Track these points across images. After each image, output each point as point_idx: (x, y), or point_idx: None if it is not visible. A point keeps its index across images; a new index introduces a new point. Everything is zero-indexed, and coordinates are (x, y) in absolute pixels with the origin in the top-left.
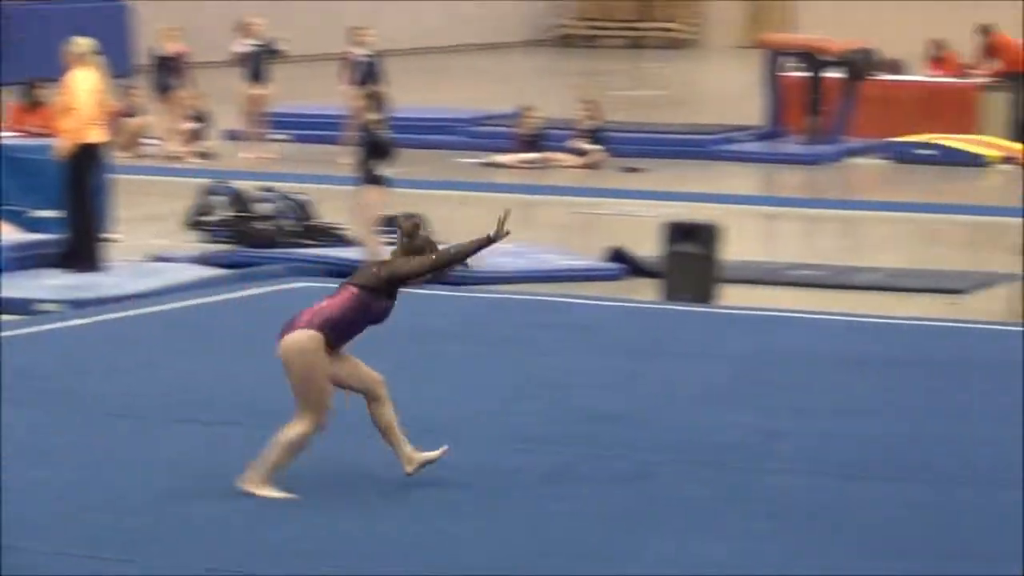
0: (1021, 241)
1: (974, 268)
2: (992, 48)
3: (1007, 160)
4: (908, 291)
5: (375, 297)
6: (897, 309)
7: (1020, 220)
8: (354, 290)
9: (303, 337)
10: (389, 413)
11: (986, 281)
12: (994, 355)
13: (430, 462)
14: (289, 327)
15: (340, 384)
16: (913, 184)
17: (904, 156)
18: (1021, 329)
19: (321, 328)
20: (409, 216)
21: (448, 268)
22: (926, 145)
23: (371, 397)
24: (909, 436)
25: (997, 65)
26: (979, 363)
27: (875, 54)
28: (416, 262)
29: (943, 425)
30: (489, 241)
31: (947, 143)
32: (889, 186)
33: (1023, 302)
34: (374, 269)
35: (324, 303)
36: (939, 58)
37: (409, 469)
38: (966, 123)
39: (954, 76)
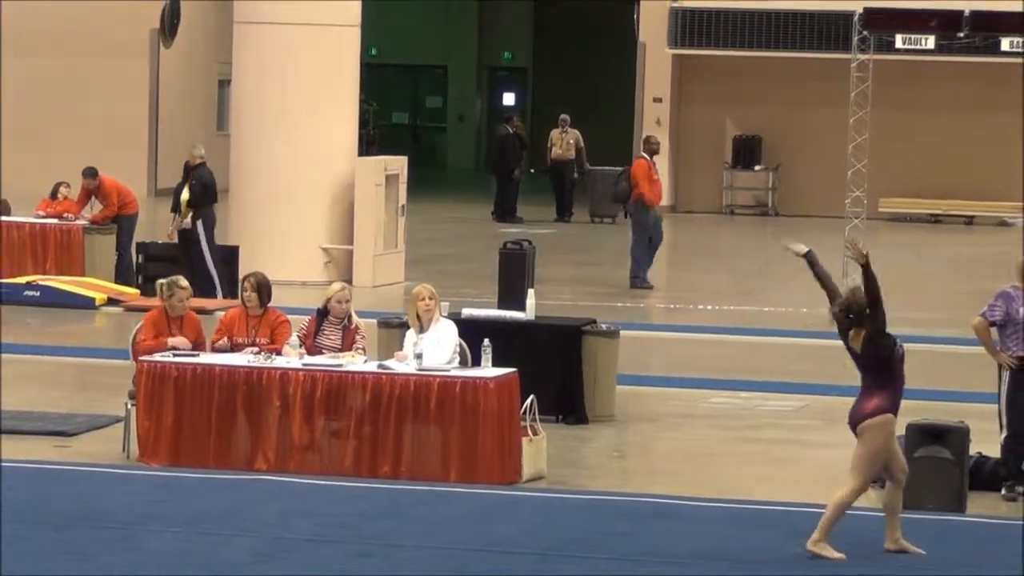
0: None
1: (86, 410)
2: (97, 191)
3: (113, 302)
4: (19, 433)
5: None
6: (11, 452)
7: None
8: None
9: (885, 419)
10: (899, 498)
11: (93, 423)
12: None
13: (905, 551)
14: (860, 411)
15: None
16: (20, 324)
17: (11, 298)
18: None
19: (891, 409)
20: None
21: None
22: (33, 287)
23: (894, 481)
24: None
25: (102, 208)
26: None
27: None
28: (876, 312)
29: None
30: (866, 266)
31: (54, 285)
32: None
33: (122, 446)
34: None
35: (873, 388)
36: (58, 198)
37: (889, 546)
38: (72, 265)
39: (57, 217)
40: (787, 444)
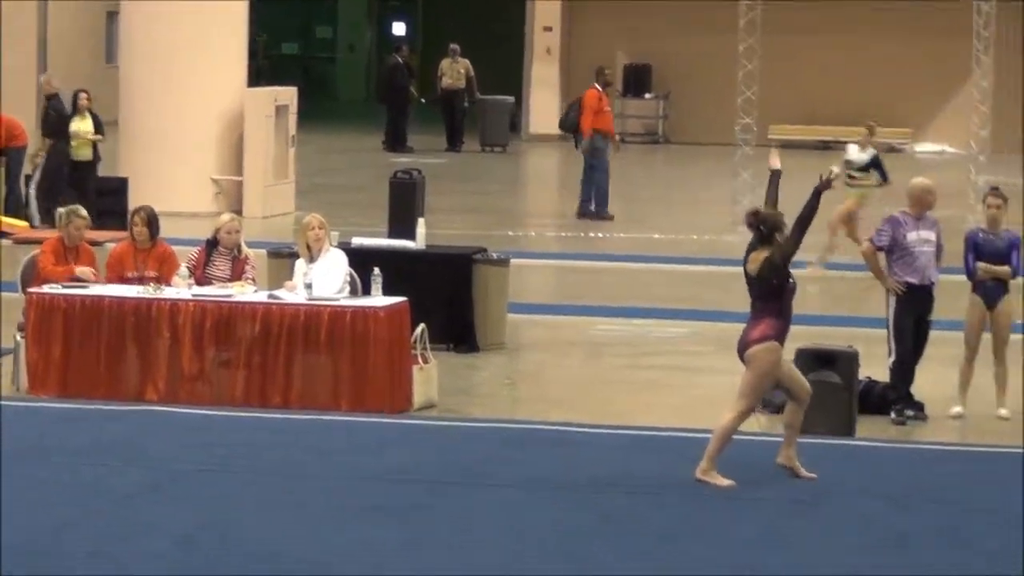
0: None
1: None
2: None
3: (2, 235)
4: None
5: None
6: None
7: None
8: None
9: (771, 346)
10: (799, 418)
11: None
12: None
13: (796, 473)
14: (747, 338)
15: (779, 384)
16: None
17: None
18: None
19: (777, 337)
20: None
21: (807, 228)
22: None
23: (797, 402)
24: None
25: None
26: None
27: None
28: (796, 234)
29: None
30: (819, 194)
31: None
32: None
33: (12, 378)
34: (768, 263)
35: (761, 316)
36: None
37: (781, 460)
38: None
39: None
40: (678, 371)
